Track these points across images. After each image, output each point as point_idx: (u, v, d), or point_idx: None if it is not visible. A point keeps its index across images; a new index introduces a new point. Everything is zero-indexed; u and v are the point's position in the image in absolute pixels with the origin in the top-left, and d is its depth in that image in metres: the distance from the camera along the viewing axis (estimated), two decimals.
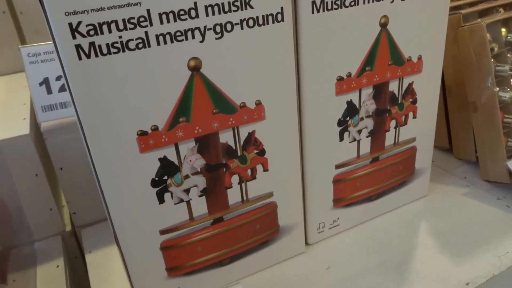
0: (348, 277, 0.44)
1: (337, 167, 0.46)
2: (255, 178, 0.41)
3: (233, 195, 0.41)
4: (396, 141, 0.49)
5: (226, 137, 0.38)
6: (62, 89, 0.49)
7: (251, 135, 0.39)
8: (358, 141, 0.46)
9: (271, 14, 0.35)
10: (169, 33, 0.32)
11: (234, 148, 0.39)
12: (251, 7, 0.34)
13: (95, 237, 0.53)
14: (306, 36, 0.38)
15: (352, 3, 0.39)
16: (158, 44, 0.32)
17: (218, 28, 0.34)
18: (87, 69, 0.31)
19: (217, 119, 0.37)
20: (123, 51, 0.31)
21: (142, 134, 0.34)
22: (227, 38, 0.34)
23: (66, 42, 0.29)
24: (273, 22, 0.36)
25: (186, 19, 0.32)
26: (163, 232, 0.39)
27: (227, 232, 0.42)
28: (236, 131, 0.38)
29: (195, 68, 0.34)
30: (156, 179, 0.36)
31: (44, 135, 0.50)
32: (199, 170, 0.38)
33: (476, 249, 0.46)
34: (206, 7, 0.33)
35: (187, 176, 0.38)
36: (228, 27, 0.34)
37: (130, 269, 0.39)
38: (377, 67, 0.43)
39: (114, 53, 0.31)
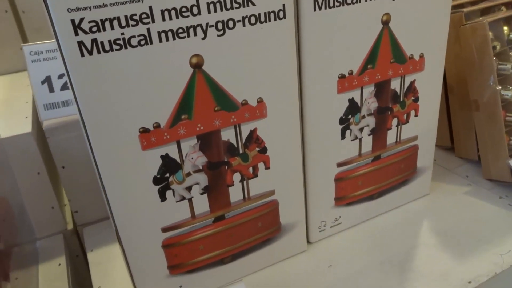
0: (350, 275, 0.44)
1: (339, 165, 0.46)
2: (256, 176, 0.41)
3: (235, 193, 0.41)
4: (398, 140, 0.49)
5: (227, 135, 0.38)
6: (64, 87, 0.49)
7: (252, 132, 0.39)
8: (360, 139, 0.46)
9: (273, 11, 0.35)
10: (171, 30, 0.32)
11: (235, 145, 0.39)
12: (253, 4, 0.34)
13: (96, 235, 0.54)
14: (308, 33, 0.38)
15: (354, 1, 0.39)
16: (160, 41, 0.32)
17: (220, 25, 0.34)
18: (89, 66, 0.31)
19: (219, 116, 0.37)
20: (125, 48, 0.31)
21: (144, 131, 0.34)
22: (229, 35, 0.34)
23: (69, 39, 0.29)
24: (275, 19, 0.36)
25: (188, 16, 0.32)
26: (164, 230, 0.39)
27: (229, 230, 0.42)
28: (237, 128, 0.38)
29: (197, 65, 0.34)
30: (158, 176, 0.36)
31: (46, 133, 0.50)
32: (201, 167, 0.38)
33: (478, 248, 0.46)
34: (208, 4, 0.33)
35: (189, 174, 0.38)
36: (230, 24, 0.34)
37: (132, 267, 0.39)
38: (379, 65, 0.43)
39: (117, 50, 0.31)
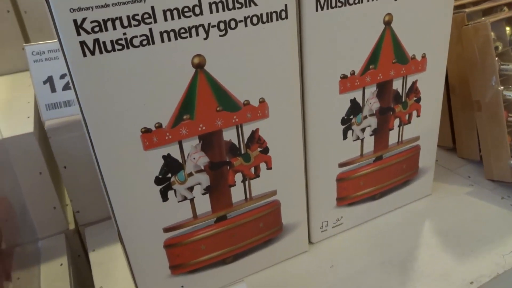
0: (352, 276, 0.44)
1: (341, 165, 0.46)
2: (258, 176, 0.41)
3: (237, 193, 0.41)
4: (400, 140, 0.49)
5: (229, 135, 0.38)
6: (66, 87, 0.49)
7: (254, 133, 0.39)
8: (362, 140, 0.46)
9: (275, 12, 0.35)
10: (173, 30, 0.32)
11: (237, 146, 0.39)
12: (255, 4, 0.34)
13: (98, 235, 0.54)
14: (310, 33, 0.38)
15: (356, 1, 0.39)
16: (162, 41, 0.32)
17: (222, 25, 0.34)
18: (91, 66, 0.31)
19: (220, 116, 0.37)
20: (127, 48, 0.31)
21: (146, 131, 0.34)
22: (231, 35, 0.34)
23: (71, 38, 0.29)
24: (277, 20, 0.36)
25: (190, 16, 0.32)
26: (166, 230, 0.39)
27: (231, 230, 0.42)
28: (239, 129, 0.38)
29: (199, 65, 0.34)
30: (160, 176, 0.36)
31: (48, 134, 0.50)
32: (202, 168, 0.38)
33: (480, 248, 0.46)
34: (210, 4, 0.33)
35: (190, 174, 0.38)
36: (232, 24, 0.34)
37: (133, 267, 0.39)
38: (381, 65, 0.43)
39: (119, 50, 0.31)
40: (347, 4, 0.38)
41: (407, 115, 0.48)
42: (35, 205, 0.53)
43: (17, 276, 0.43)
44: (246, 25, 0.35)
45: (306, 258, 0.47)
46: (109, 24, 0.30)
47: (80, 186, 0.54)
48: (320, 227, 0.48)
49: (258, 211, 0.42)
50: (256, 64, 0.36)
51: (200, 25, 0.33)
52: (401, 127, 0.48)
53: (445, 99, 0.55)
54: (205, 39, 0.33)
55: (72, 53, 0.30)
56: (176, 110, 0.35)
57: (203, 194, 0.39)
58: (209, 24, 0.33)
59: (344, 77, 0.42)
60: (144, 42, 0.32)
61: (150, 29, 0.31)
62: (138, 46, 0.31)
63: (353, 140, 0.46)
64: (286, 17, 0.36)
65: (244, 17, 0.34)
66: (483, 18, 0.52)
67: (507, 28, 0.53)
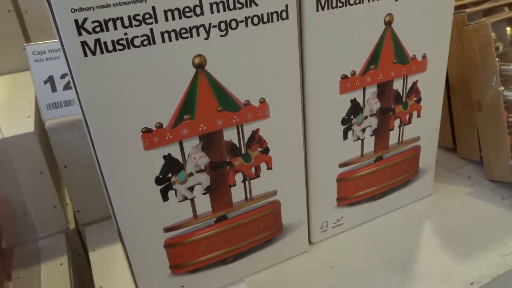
0: (352, 276, 0.44)
1: (341, 165, 0.46)
2: (259, 176, 0.41)
3: (237, 193, 0.41)
4: (400, 140, 0.49)
5: (230, 135, 0.38)
6: (66, 87, 0.49)
7: (255, 133, 0.39)
8: (362, 140, 0.46)
9: (276, 12, 0.35)
10: (174, 30, 0.32)
11: (238, 146, 0.39)
12: (256, 5, 0.34)
13: (98, 235, 0.54)
14: (310, 33, 0.38)
15: (357, 1, 0.39)
16: (163, 41, 0.32)
17: (223, 26, 0.34)
18: (92, 65, 0.31)
19: (221, 116, 0.37)
20: (128, 48, 0.31)
21: (146, 131, 0.34)
22: (231, 35, 0.34)
23: (72, 38, 0.29)
24: (278, 20, 0.36)
25: (191, 16, 0.32)
26: (167, 229, 0.39)
27: (231, 230, 0.42)
28: (240, 129, 0.38)
29: (200, 66, 0.34)
30: (160, 176, 0.36)
31: (49, 133, 0.50)
32: (203, 168, 0.38)
33: (481, 249, 0.46)
34: (211, 4, 0.33)
35: (191, 174, 0.38)
36: (233, 24, 0.34)
37: (134, 266, 0.39)
38: (381, 66, 0.43)
39: (120, 50, 0.31)
40: (347, 4, 0.38)
41: (407, 116, 0.48)
42: (36, 205, 0.53)
43: (17, 276, 0.43)
44: (246, 25, 0.35)
45: (306, 258, 0.47)
46: (110, 24, 0.30)
47: (80, 186, 0.54)
48: (320, 227, 0.48)
49: (258, 211, 0.42)
50: (256, 64, 0.36)
51: (201, 25, 0.33)
52: (401, 128, 0.48)
53: (445, 99, 0.55)
54: (206, 39, 0.33)
55: (73, 53, 0.30)
56: (177, 110, 0.35)
57: (204, 194, 0.39)
58: (210, 24, 0.33)
59: (344, 77, 0.42)
60: (145, 42, 0.32)
61: (151, 29, 0.31)
62: (139, 46, 0.31)
63: (354, 140, 0.46)
64: (287, 17, 0.36)
65: (245, 17, 0.34)
66: (483, 19, 0.52)
67: (508, 29, 0.53)
